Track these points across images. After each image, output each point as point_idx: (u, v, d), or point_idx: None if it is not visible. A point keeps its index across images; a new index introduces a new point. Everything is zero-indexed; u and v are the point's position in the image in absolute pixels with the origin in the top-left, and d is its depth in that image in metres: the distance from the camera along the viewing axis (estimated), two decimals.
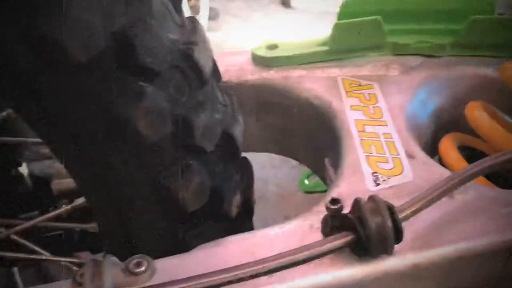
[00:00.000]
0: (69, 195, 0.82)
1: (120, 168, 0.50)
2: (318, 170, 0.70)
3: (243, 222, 0.61)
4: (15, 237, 0.69)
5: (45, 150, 0.84)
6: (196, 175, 0.50)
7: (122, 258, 0.58)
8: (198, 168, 0.50)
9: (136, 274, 0.43)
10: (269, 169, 1.30)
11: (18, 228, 0.64)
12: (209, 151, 0.51)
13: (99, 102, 0.45)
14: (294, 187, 1.22)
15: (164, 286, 0.42)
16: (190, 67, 0.49)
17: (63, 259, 0.70)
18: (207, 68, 0.51)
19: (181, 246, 0.55)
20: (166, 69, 0.46)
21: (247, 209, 0.60)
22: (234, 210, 0.56)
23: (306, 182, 1.08)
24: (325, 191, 1.09)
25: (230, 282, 0.42)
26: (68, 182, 0.82)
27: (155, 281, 0.43)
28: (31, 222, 0.65)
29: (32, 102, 0.46)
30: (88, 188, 0.55)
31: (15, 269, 1.26)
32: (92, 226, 0.71)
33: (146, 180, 0.50)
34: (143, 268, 0.43)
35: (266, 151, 0.74)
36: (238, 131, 0.56)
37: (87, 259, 0.73)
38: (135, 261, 0.44)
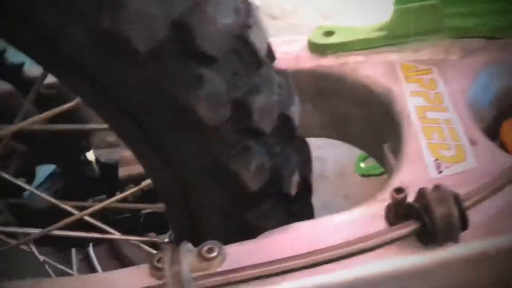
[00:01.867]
0: (136, 180, 0.86)
1: (183, 152, 0.51)
2: (377, 155, 0.69)
3: (303, 202, 0.62)
4: (88, 219, 0.73)
5: (111, 138, 0.87)
6: (255, 156, 0.50)
7: (189, 241, 0.60)
8: (257, 149, 0.51)
9: (208, 259, 0.44)
10: (327, 148, 1.27)
11: (90, 210, 0.67)
12: (268, 132, 0.52)
13: (161, 90, 0.45)
14: (353, 166, 1.21)
15: (236, 272, 0.43)
16: (246, 51, 0.48)
17: (134, 238, 0.73)
18: (262, 50, 0.51)
19: (243, 226, 0.57)
20: (223, 54, 0.46)
21: (306, 188, 0.61)
22: (293, 190, 0.56)
23: (362, 165, 1.08)
24: (380, 174, 1.08)
25: (299, 269, 0.43)
26: (134, 168, 0.85)
27: (226, 266, 0.44)
28: (103, 204, 0.67)
29: (98, 93, 0.49)
30: (154, 173, 0.58)
31: (91, 250, 1.33)
32: (160, 206, 0.74)
33: (208, 163, 0.50)
34: (214, 254, 0.44)
35: (324, 137, 0.75)
36: (295, 112, 0.56)
37: (157, 239, 0.76)
38: (206, 247, 0.45)
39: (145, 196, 0.75)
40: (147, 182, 0.68)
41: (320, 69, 0.67)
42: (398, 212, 0.44)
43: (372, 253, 0.43)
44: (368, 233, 0.44)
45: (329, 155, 1.30)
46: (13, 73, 0.73)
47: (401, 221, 0.43)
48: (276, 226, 0.54)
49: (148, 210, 0.88)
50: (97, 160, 0.87)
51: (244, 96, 0.48)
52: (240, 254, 0.45)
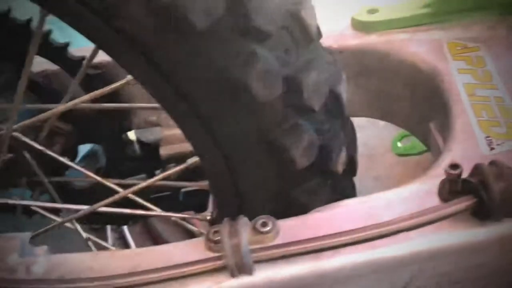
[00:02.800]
0: (176, 159, 0.87)
1: (233, 129, 0.51)
2: (420, 134, 0.68)
3: (347, 179, 0.63)
4: (132, 196, 0.74)
5: (153, 117, 0.88)
6: (305, 133, 0.50)
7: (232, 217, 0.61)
8: (306, 126, 0.50)
9: (263, 233, 0.44)
10: (356, 130, 1.28)
11: (136, 187, 0.68)
12: (317, 110, 0.51)
13: (215, 67, 0.45)
14: (383, 148, 1.20)
15: (291, 245, 0.43)
16: (298, 27, 0.48)
17: (177, 215, 0.75)
18: (313, 27, 0.51)
19: (289, 203, 0.58)
20: (276, 30, 0.46)
21: (352, 166, 0.61)
22: (340, 167, 0.57)
23: (399, 145, 1.07)
24: (418, 154, 1.08)
25: (353, 243, 0.44)
26: (175, 148, 0.86)
27: (279, 240, 0.45)
28: (149, 182, 0.69)
29: (151, 70, 0.49)
30: (203, 151, 0.58)
31: (126, 229, 1.36)
32: (204, 184, 0.75)
33: (257, 139, 0.51)
34: (269, 228, 0.45)
35: (366, 116, 0.74)
36: (343, 89, 0.56)
37: (199, 216, 0.77)
38: (261, 221, 0.45)
39: (186, 174, 0.76)
40: (193, 160, 0.69)
41: (363, 47, 0.66)
42: (452, 188, 0.44)
43: (425, 229, 0.43)
44: (420, 209, 0.44)
45: (358, 136, 1.29)
46: (59, 53, 0.74)
47: (455, 197, 0.43)
48: (321, 203, 0.55)
49: (187, 189, 0.90)
50: (138, 139, 0.88)
51: (296, 73, 0.48)
52: (293, 228, 0.46)
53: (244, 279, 0.42)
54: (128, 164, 0.89)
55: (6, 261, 0.48)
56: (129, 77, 0.59)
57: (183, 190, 0.90)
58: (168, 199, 0.90)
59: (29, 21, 0.72)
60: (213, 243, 0.44)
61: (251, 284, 0.42)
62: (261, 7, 0.43)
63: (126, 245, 1.39)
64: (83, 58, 0.75)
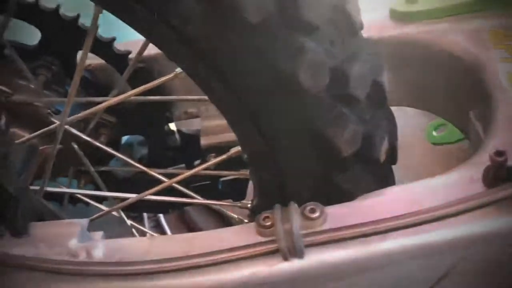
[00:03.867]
0: (216, 149, 0.89)
1: (279, 118, 0.53)
2: (460, 123, 0.69)
3: (387, 167, 0.64)
4: (177, 185, 0.77)
5: (192, 109, 0.91)
6: (349, 123, 0.51)
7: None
8: (351, 115, 0.52)
9: (312, 219, 0.46)
10: None
11: (181, 177, 0.71)
12: (362, 99, 0.52)
13: (264, 59, 0.47)
14: (413, 137, 1.20)
15: (340, 230, 0.45)
16: (343, 20, 0.50)
17: (220, 203, 0.77)
18: (358, 19, 0.52)
19: (331, 190, 0.59)
20: (323, 23, 0.47)
21: (392, 154, 0.62)
22: (383, 155, 0.58)
23: (434, 133, 1.07)
24: (454, 142, 1.07)
25: (400, 228, 0.45)
26: (215, 138, 0.88)
27: (327, 226, 0.47)
28: (193, 171, 0.71)
29: (200, 62, 0.51)
30: (246, 140, 0.60)
31: (162, 218, 1.39)
32: (244, 173, 0.77)
33: (302, 128, 0.52)
34: (317, 214, 0.46)
35: (403, 105, 0.75)
36: (385, 79, 0.57)
37: (240, 204, 0.79)
38: (309, 207, 0.47)
39: (226, 163, 0.79)
40: (235, 149, 0.72)
41: (403, 37, 0.67)
42: (497, 174, 0.44)
43: (470, 215, 0.44)
44: (465, 195, 0.45)
45: None
46: (106, 48, 0.77)
47: (500, 183, 0.44)
48: (363, 191, 0.56)
49: (226, 178, 0.92)
50: (178, 130, 0.90)
51: (341, 64, 0.49)
52: (340, 214, 0.47)
53: (295, 262, 0.44)
54: (169, 154, 0.92)
55: (67, 246, 0.51)
56: (177, 70, 0.61)
57: (221, 179, 0.92)
58: (207, 188, 0.92)
59: (77, 17, 0.75)
60: (263, 228, 0.46)
61: (302, 267, 0.44)
62: (310, 1, 0.45)
63: (162, 233, 1.43)
64: (128, 53, 0.77)
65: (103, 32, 0.78)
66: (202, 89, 0.56)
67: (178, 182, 0.75)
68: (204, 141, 0.86)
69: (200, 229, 1.49)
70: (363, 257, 0.45)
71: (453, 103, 0.67)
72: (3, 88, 0.76)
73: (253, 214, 0.77)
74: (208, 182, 0.91)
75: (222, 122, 0.86)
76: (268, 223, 0.46)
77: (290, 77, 0.47)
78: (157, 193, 0.73)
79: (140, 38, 0.79)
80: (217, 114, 0.86)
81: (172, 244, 0.49)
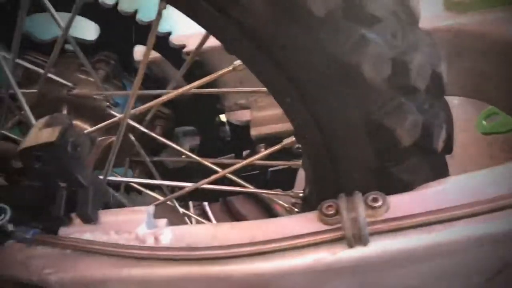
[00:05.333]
0: (266, 139, 0.90)
1: (337, 110, 0.54)
2: None
3: (442, 157, 0.63)
4: (230, 175, 0.78)
5: (242, 101, 0.92)
6: (409, 113, 0.51)
7: (329, 195, 0.63)
8: (410, 106, 0.52)
9: (374, 208, 0.47)
10: None
11: (236, 166, 0.72)
12: (422, 90, 0.52)
13: (327, 51, 0.47)
14: (457, 127, 1.18)
15: (403, 219, 0.45)
16: (404, 11, 0.50)
17: (273, 192, 0.78)
18: (418, 10, 0.52)
19: (387, 180, 0.59)
20: (386, 15, 0.47)
21: (449, 144, 0.62)
22: (440, 145, 0.58)
23: (484, 123, 1.05)
24: (505, 132, 1.05)
25: (462, 218, 0.45)
26: (265, 129, 0.89)
27: (390, 214, 0.47)
28: (247, 161, 0.72)
29: (262, 55, 0.51)
30: (303, 130, 0.61)
31: (207, 206, 1.42)
32: (297, 163, 0.78)
33: (360, 119, 0.52)
34: (380, 203, 0.47)
35: (456, 95, 0.74)
36: (443, 69, 0.57)
37: (292, 193, 0.80)
38: (371, 196, 0.47)
39: (276, 154, 0.80)
40: (288, 140, 0.72)
41: (457, 27, 0.66)
42: None
43: None
44: None
45: None
46: (162, 42, 0.79)
47: None
48: (420, 181, 0.56)
49: (275, 168, 0.93)
50: (228, 121, 0.92)
51: (402, 55, 0.49)
52: (402, 203, 0.47)
53: (359, 250, 0.45)
54: (219, 144, 0.93)
55: (136, 232, 0.53)
56: (236, 63, 0.62)
57: (270, 169, 0.93)
58: (255, 177, 0.93)
59: (134, 13, 0.77)
60: (326, 217, 0.46)
61: (365, 254, 0.45)
62: None
63: (207, 221, 1.45)
64: (183, 47, 0.79)
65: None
66: (261, 81, 0.56)
67: (231, 172, 0.76)
68: (254, 132, 0.87)
69: (243, 217, 1.52)
70: (425, 246, 0.45)
71: (508, 92, 0.66)
72: (65, 82, 0.79)
73: (305, 203, 0.78)
74: (257, 171, 0.93)
75: (272, 113, 0.88)
76: (331, 212, 0.46)
77: (353, 68, 0.48)
78: (211, 183, 0.75)
79: (190, 33, 0.82)
80: (266, 105, 0.88)
81: (237, 231, 0.50)
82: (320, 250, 0.45)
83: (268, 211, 1.55)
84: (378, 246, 0.45)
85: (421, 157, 0.57)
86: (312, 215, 0.48)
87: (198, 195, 0.96)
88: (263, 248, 0.46)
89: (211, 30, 0.53)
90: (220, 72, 0.62)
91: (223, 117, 0.92)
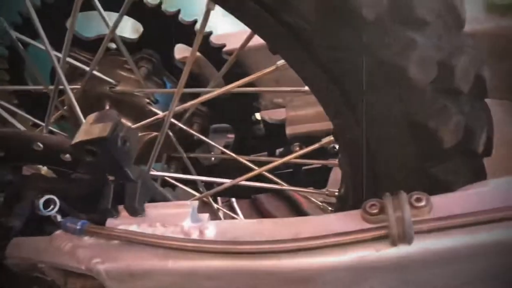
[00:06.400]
0: (301, 138, 0.91)
1: (380, 110, 0.54)
2: None
3: (481, 160, 0.63)
4: (265, 173, 0.80)
5: (278, 100, 0.93)
6: (453, 115, 0.52)
7: (366, 195, 0.64)
8: (454, 108, 0.52)
9: (418, 207, 0.47)
10: None
11: (272, 164, 0.74)
12: (466, 92, 0.53)
13: (374, 52, 0.48)
14: None
15: (447, 219, 0.45)
16: (451, 15, 0.50)
17: (308, 190, 0.79)
18: (463, 15, 0.53)
19: (425, 181, 0.59)
20: (433, 18, 0.48)
21: (489, 146, 0.62)
22: (481, 147, 0.57)
23: None
24: None
25: (504, 219, 0.45)
26: (301, 128, 0.90)
27: (433, 214, 0.48)
28: (284, 159, 0.73)
29: (307, 56, 0.52)
30: (344, 129, 0.62)
31: (235, 203, 1.43)
32: (333, 162, 0.79)
33: (403, 120, 0.53)
34: (423, 203, 0.47)
35: (495, 98, 0.74)
36: (486, 72, 0.57)
37: (328, 192, 0.81)
38: (415, 196, 0.48)
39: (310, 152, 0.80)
40: (327, 139, 0.73)
41: (499, 30, 0.66)
42: None
43: None
44: None
45: None
46: (202, 41, 0.80)
47: None
48: (459, 182, 0.56)
49: (308, 166, 0.94)
50: (263, 120, 0.93)
51: (448, 57, 0.50)
52: (445, 204, 0.48)
53: (402, 248, 0.45)
54: (253, 142, 0.95)
55: (181, 225, 0.54)
56: (279, 62, 0.63)
57: (304, 167, 0.94)
58: (287, 175, 0.94)
59: (177, 13, 0.79)
60: (370, 215, 0.47)
61: (408, 252, 0.45)
62: None
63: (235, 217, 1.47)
64: (223, 46, 0.80)
65: None
66: (304, 81, 0.58)
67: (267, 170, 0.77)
68: (289, 131, 0.89)
69: (270, 214, 1.53)
70: (468, 247, 0.45)
71: None
72: (108, 79, 0.81)
73: (340, 202, 0.79)
74: (290, 170, 0.94)
75: (308, 112, 0.89)
76: (375, 211, 0.47)
77: (400, 70, 0.48)
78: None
79: (229, 32, 0.83)
80: (302, 104, 0.89)
81: (281, 227, 0.51)
82: (364, 248, 0.46)
83: (296, 209, 1.56)
84: (421, 245, 0.45)
85: (461, 158, 0.57)
86: (354, 213, 0.49)
87: (231, 191, 0.97)
88: (308, 244, 0.47)
89: (257, 30, 0.54)
90: (263, 71, 0.63)
91: (257, 115, 0.94)
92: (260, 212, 1.56)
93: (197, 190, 0.94)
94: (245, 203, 1.54)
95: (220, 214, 1.32)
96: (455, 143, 0.54)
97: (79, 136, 0.54)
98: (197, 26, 0.80)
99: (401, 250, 0.45)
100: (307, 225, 0.50)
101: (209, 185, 0.91)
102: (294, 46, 0.51)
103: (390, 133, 0.56)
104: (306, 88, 0.69)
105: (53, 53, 0.62)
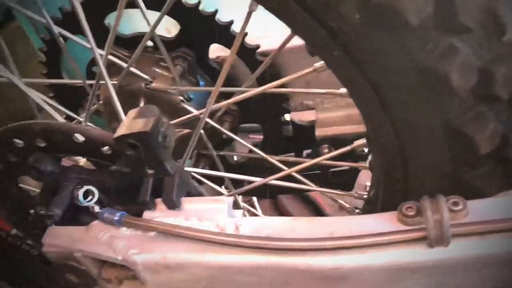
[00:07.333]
0: (330, 140, 0.92)
1: (417, 115, 0.54)
2: None
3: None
4: (295, 174, 0.80)
5: (308, 102, 0.94)
6: (490, 121, 0.52)
7: (396, 198, 0.64)
8: (491, 115, 0.52)
9: (455, 211, 0.48)
10: None
11: (303, 165, 0.74)
12: (505, 99, 0.52)
13: (414, 57, 0.49)
14: None
15: (485, 224, 0.46)
16: (493, 22, 0.50)
17: (337, 192, 0.80)
18: (507, 22, 0.52)
19: (457, 186, 0.60)
20: (475, 25, 0.48)
21: None
22: None
23: None
24: None
25: None
26: (330, 130, 0.91)
27: (469, 219, 0.48)
28: (315, 160, 0.74)
29: (347, 59, 0.52)
30: (378, 133, 0.62)
31: (256, 202, 1.44)
32: (364, 165, 0.79)
33: (439, 125, 0.53)
34: (460, 207, 0.48)
35: None
36: None
37: (356, 194, 0.82)
38: (452, 200, 0.48)
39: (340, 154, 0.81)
40: (359, 141, 0.74)
41: None
42: None
43: None
44: None
45: None
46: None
47: None
48: (492, 189, 0.57)
49: (336, 169, 0.95)
50: (292, 121, 0.94)
51: (489, 64, 0.50)
52: (481, 209, 0.48)
53: (439, 251, 0.46)
54: (282, 143, 0.95)
55: (217, 220, 0.56)
56: (316, 64, 0.64)
57: (331, 169, 0.94)
58: (318, 177, 0.95)
59: (214, 13, 0.80)
60: (406, 217, 0.48)
61: (444, 255, 0.46)
62: (467, 5, 0.46)
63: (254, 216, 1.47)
64: (257, 47, 0.81)
65: None
66: (342, 83, 0.58)
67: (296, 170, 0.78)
68: (319, 132, 0.89)
69: (290, 215, 1.54)
70: (504, 252, 0.46)
71: None
72: (145, 76, 0.83)
73: (368, 205, 0.79)
74: (317, 171, 0.94)
75: (337, 114, 0.90)
76: (412, 213, 0.48)
77: (440, 76, 0.49)
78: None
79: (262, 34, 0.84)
80: (332, 107, 0.90)
81: (315, 225, 0.52)
82: (401, 249, 0.47)
83: (317, 211, 1.56)
84: (457, 248, 0.46)
85: (495, 165, 0.57)
86: (390, 215, 0.50)
87: (258, 191, 0.98)
88: (345, 243, 0.48)
89: (298, 31, 0.55)
90: (300, 72, 0.64)
91: (287, 116, 0.94)
92: (280, 213, 1.57)
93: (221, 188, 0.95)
94: (265, 203, 1.55)
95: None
96: (490, 150, 0.54)
97: (122, 130, 0.56)
98: (234, 27, 0.81)
99: (438, 252, 0.46)
100: (342, 224, 0.51)
101: (233, 184, 0.92)
102: (334, 48, 0.52)
103: (427, 138, 0.56)
104: (341, 90, 0.70)
105: (97, 50, 0.64)
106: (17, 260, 1.03)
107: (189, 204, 0.59)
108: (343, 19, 0.48)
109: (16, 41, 1.28)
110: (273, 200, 1.56)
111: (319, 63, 0.63)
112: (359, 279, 0.49)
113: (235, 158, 0.99)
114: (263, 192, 0.98)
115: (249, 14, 0.57)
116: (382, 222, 0.50)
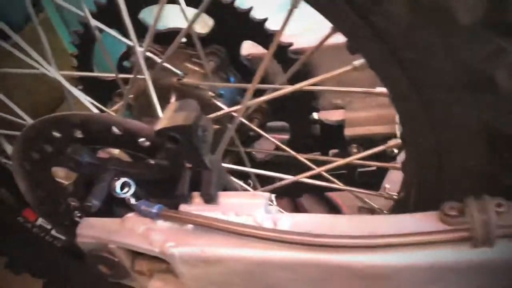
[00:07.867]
0: (359, 140, 0.92)
1: (458, 117, 0.53)
2: None
3: None
4: (324, 173, 0.80)
5: (338, 101, 0.94)
6: None
7: (429, 200, 0.64)
8: None
9: (499, 213, 0.48)
10: None
11: (333, 164, 0.74)
12: None
13: (461, 58, 0.48)
14: None
15: None
16: None
17: (367, 192, 0.80)
18: None
19: (498, 190, 0.59)
20: None
21: None
22: None
23: None
24: None
25: None
26: (360, 130, 0.91)
27: None
28: (345, 160, 0.74)
29: (389, 57, 0.52)
30: (416, 133, 0.61)
31: (274, 201, 1.44)
32: (396, 166, 0.79)
33: (480, 128, 0.52)
34: (504, 209, 0.47)
35: None
36: None
37: (386, 194, 0.81)
38: (496, 201, 0.48)
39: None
40: (393, 141, 0.74)
41: None
42: None
43: None
44: None
45: None
46: (271, 39, 0.82)
47: None
48: None
49: (363, 169, 0.95)
50: (320, 120, 0.94)
51: None
52: None
53: (483, 252, 0.46)
54: (309, 141, 0.95)
55: (254, 215, 0.56)
56: (355, 62, 0.64)
57: (359, 169, 0.94)
58: (342, 176, 0.95)
59: (249, 10, 0.80)
60: (449, 217, 0.48)
61: (488, 256, 0.46)
62: None
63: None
64: (290, 45, 0.82)
65: None
66: (382, 82, 0.58)
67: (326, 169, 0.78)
68: (348, 132, 0.89)
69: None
70: None
71: None
72: (177, 71, 0.83)
73: (398, 205, 0.79)
74: (343, 171, 0.94)
75: (367, 114, 0.89)
76: (454, 213, 0.47)
77: (486, 76, 0.48)
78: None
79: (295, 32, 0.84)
80: (362, 107, 0.90)
81: (355, 223, 0.52)
82: (443, 249, 0.47)
83: (336, 212, 1.56)
84: (502, 249, 0.46)
85: None
86: (431, 215, 0.50)
87: (285, 189, 0.98)
88: (387, 241, 0.48)
89: (342, 28, 0.54)
90: (339, 70, 0.64)
91: (315, 115, 0.95)
92: (298, 210, 1.57)
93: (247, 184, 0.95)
94: (283, 202, 1.55)
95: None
96: None
97: (164, 123, 0.56)
98: (267, 24, 0.81)
99: (481, 253, 0.46)
100: (382, 223, 0.51)
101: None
102: (377, 46, 0.52)
103: (467, 139, 0.56)
104: (377, 89, 0.70)
105: (137, 47, 0.64)
106: (40, 252, 1.04)
107: (226, 198, 0.59)
108: (390, 16, 0.48)
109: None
110: (291, 199, 1.55)
111: (358, 61, 0.63)
112: (401, 278, 0.49)
113: (262, 156, 1.00)
114: (290, 190, 0.98)
115: (290, 11, 0.57)
116: (423, 221, 0.50)
